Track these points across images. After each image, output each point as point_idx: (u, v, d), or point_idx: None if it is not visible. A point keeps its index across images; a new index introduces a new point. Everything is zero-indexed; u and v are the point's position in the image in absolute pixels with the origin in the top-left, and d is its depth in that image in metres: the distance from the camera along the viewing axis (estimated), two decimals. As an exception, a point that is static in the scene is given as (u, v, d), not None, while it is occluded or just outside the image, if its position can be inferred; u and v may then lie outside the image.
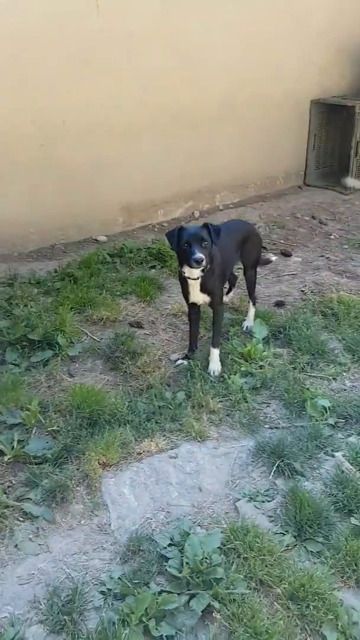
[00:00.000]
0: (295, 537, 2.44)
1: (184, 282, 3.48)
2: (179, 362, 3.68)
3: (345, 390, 3.44)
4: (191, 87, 5.93)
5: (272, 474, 2.78)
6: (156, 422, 3.09)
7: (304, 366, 3.63)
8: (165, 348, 3.89)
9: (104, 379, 3.54)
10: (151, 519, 2.56)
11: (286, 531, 2.46)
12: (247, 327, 4.08)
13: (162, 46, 5.55)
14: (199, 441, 2.98)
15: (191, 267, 3.21)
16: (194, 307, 3.64)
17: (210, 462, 2.86)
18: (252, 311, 4.13)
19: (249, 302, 4.14)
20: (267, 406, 3.30)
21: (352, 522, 2.47)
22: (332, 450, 2.93)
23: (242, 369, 3.49)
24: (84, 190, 5.52)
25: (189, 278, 3.38)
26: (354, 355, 3.73)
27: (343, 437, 3.05)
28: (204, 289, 3.46)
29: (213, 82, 6.09)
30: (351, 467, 2.74)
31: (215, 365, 3.55)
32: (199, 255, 3.11)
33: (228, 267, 3.80)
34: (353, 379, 3.55)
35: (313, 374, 3.58)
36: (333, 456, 2.87)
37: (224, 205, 6.71)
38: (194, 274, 3.32)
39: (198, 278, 3.36)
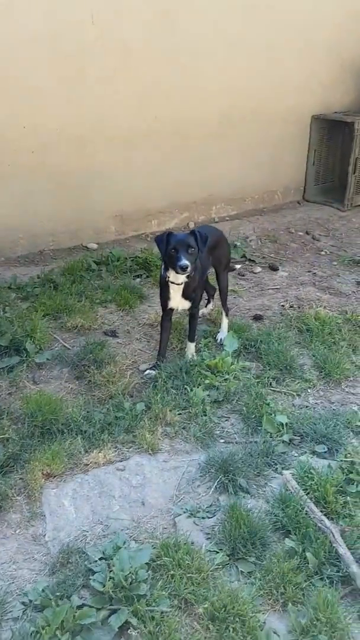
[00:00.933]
0: (228, 555, 2.39)
1: (165, 286, 3.52)
2: (147, 372, 3.67)
3: (307, 407, 3.39)
4: (190, 99, 5.95)
5: (214, 489, 2.73)
6: (110, 433, 3.06)
7: (270, 381, 3.59)
8: (136, 358, 3.87)
9: (67, 387, 3.53)
10: (87, 531, 2.53)
11: (220, 549, 2.41)
12: (220, 339, 4.07)
13: (159, 57, 5.58)
14: (150, 454, 2.95)
15: (177, 273, 3.28)
16: (169, 314, 3.68)
17: (157, 476, 2.82)
18: (225, 322, 4.14)
19: (222, 313, 4.13)
20: (226, 420, 3.26)
21: (286, 543, 2.40)
22: (283, 467, 2.87)
23: (206, 381, 3.46)
24: (77, 198, 5.56)
25: (173, 283, 3.43)
26: (321, 371, 3.67)
27: (296, 454, 2.99)
28: (185, 294, 3.51)
29: (213, 95, 6.10)
30: (297, 486, 2.68)
31: (190, 354, 3.75)
32: (185, 262, 3.18)
33: (204, 274, 3.83)
34: (317, 396, 3.49)
35: (278, 389, 3.54)
36: (282, 474, 2.80)
37: (219, 218, 6.70)
38: (179, 279, 3.38)
39: (182, 283, 3.42)
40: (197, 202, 6.47)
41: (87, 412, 3.21)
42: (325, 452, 2.99)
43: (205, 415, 3.23)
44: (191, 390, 3.36)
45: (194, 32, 5.68)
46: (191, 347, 3.80)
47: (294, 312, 4.47)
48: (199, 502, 2.68)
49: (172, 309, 3.64)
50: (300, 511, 2.55)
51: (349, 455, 2.87)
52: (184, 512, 2.61)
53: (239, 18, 5.94)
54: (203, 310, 4.45)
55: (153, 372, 3.63)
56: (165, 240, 3.29)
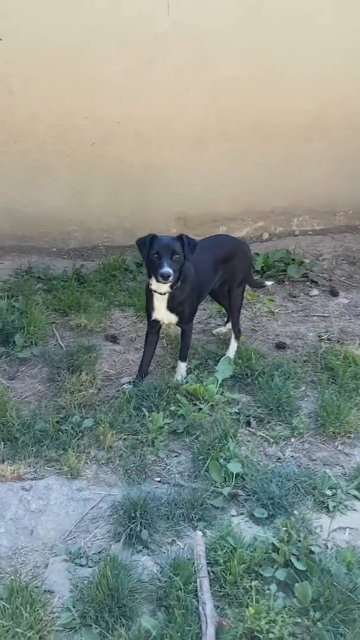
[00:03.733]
0: (80, 617, 2.01)
1: (149, 294, 3.22)
2: (124, 385, 3.38)
3: (278, 459, 2.85)
4: (273, 99, 5.44)
5: (112, 534, 2.35)
6: (40, 446, 2.80)
7: (250, 420, 3.08)
8: (124, 369, 3.59)
9: (35, 388, 3.35)
10: None
11: (74, 608, 2.04)
12: (226, 356, 3.66)
13: (239, 53, 5.15)
14: (68, 478, 2.65)
15: (157, 281, 2.98)
16: (155, 327, 3.36)
17: (62, 505, 2.52)
18: (233, 345, 3.70)
19: (230, 332, 3.74)
20: (175, 456, 2.85)
21: (143, 622, 1.97)
22: (205, 526, 2.41)
23: (172, 407, 3.06)
24: (135, 195, 5.36)
25: (155, 292, 3.13)
26: (316, 421, 3.09)
27: (234, 514, 2.50)
28: (171, 307, 3.19)
29: (301, 97, 5.53)
30: (202, 552, 2.21)
31: (179, 376, 3.39)
32: (167, 270, 2.88)
33: (204, 287, 3.44)
34: (298, 449, 2.93)
35: (255, 432, 3.03)
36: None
37: (301, 231, 6.09)
38: (161, 287, 3.07)
39: (165, 293, 3.11)
40: (275, 211, 5.93)
41: (31, 419, 2.96)
42: (264, 517, 2.46)
43: (154, 446, 2.83)
44: (149, 414, 2.98)
45: (282, 28, 5.16)
46: (181, 368, 3.43)
47: (327, 346, 3.85)
48: (88, 546, 2.33)
49: (157, 321, 3.29)
50: (188, 585, 2.09)
51: (285, 526, 2.32)
52: (65, 554, 2.27)
53: (335, 14, 5.30)
54: (219, 329, 4.02)
55: (130, 387, 3.31)
56: (148, 243, 2.97)
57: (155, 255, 2.93)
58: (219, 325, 4.13)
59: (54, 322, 3.99)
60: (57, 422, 2.98)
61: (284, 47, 5.23)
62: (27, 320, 3.76)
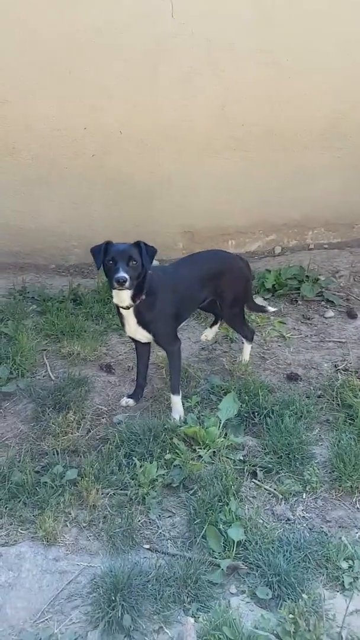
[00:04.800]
0: None
1: (118, 310, 3.00)
2: (124, 400, 3.23)
3: (288, 521, 2.49)
4: (286, 105, 5.08)
5: (89, 618, 2.01)
6: (15, 503, 2.47)
7: (257, 470, 2.72)
8: (116, 404, 3.24)
9: (17, 429, 3.03)
10: None
11: None
12: (241, 360, 3.60)
13: (249, 56, 4.81)
14: (43, 544, 2.31)
15: (113, 287, 2.75)
16: (138, 342, 3.13)
17: (35, 578, 2.19)
18: (247, 348, 3.60)
19: (242, 341, 3.58)
20: (168, 517, 2.50)
21: None
22: (198, 609, 2.06)
23: (167, 456, 2.71)
24: (139, 208, 5.04)
25: (118, 306, 2.90)
26: (332, 472, 2.72)
27: (233, 592, 2.15)
28: (141, 322, 2.93)
29: (317, 102, 5.16)
30: (193, 649, 1.86)
31: (176, 414, 3.09)
32: (122, 274, 2.65)
33: (185, 305, 3.16)
34: (310, 507, 2.56)
35: (262, 485, 2.66)
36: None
37: (316, 245, 5.71)
38: (122, 300, 2.84)
39: (129, 308, 2.85)
40: (288, 224, 5.57)
41: (9, 468, 2.64)
42: (268, 598, 2.10)
43: (144, 504, 2.49)
44: (141, 465, 2.63)
45: (295, 28, 4.80)
46: (176, 403, 3.09)
47: (343, 378, 3.48)
48: (62, 632, 1.99)
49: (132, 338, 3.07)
50: None
51: (293, 612, 1.96)
52: (34, 643, 1.93)
53: (354, 11, 4.92)
54: (206, 335, 3.78)
55: (131, 402, 3.16)
56: (102, 250, 2.75)
57: (111, 262, 2.71)
58: (225, 352, 3.78)
59: (44, 350, 3.68)
60: (37, 472, 2.65)
61: (298, 48, 4.88)
62: (14, 348, 3.45)
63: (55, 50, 4.38)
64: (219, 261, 3.31)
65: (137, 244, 2.75)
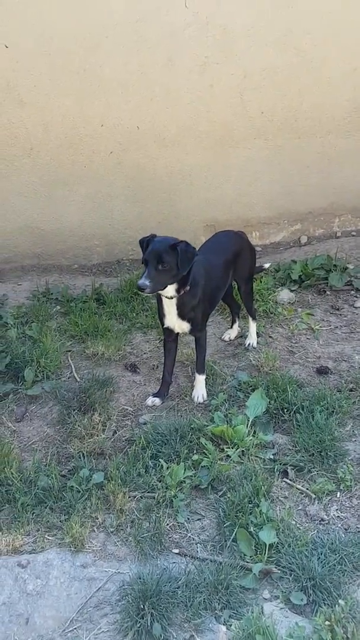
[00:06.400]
0: None
1: (159, 301, 2.99)
2: (150, 399, 3.18)
3: (322, 521, 2.40)
4: (307, 90, 4.96)
5: (119, 626, 1.96)
6: (42, 509, 2.44)
7: (288, 469, 2.64)
8: (142, 404, 3.19)
9: (44, 432, 3.00)
10: None
11: None
12: (249, 344, 3.64)
13: (267, 41, 4.70)
14: (71, 551, 2.27)
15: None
16: (170, 335, 3.12)
17: (64, 586, 2.15)
18: (253, 327, 3.65)
19: (247, 317, 3.66)
20: (198, 520, 2.43)
21: None
22: (230, 616, 1.99)
23: (195, 457, 2.64)
24: (160, 204, 4.97)
25: (163, 296, 2.89)
26: (367, 469, 2.61)
27: (266, 597, 2.07)
28: (182, 313, 2.95)
29: (339, 85, 5.02)
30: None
31: (199, 392, 3.15)
32: (144, 281, 2.66)
33: (218, 291, 3.21)
34: (345, 507, 2.46)
35: (294, 484, 2.58)
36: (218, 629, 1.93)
37: (343, 232, 5.56)
38: (167, 290, 2.86)
39: (172, 298, 2.86)
40: (314, 212, 5.43)
41: (35, 473, 2.61)
42: (303, 604, 2.02)
43: (172, 507, 2.43)
44: (168, 467, 2.57)
45: (315, 10, 4.66)
46: (200, 382, 3.16)
47: (377, 370, 3.36)
48: (92, 642, 1.94)
49: (170, 330, 3.04)
50: None
51: (329, 619, 1.87)
52: (62, 654, 1.89)
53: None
54: (229, 334, 3.74)
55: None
56: (145, 244, 2.79)
57: (144, 261, 2.73)
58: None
59: (69, 351, 3.64)
60: (64, 475, 2.61)
61: (318, 31, 4.78)
62: (39, 351, 3.42)
63: (69, 48, 4.35)
64: (235, 243, 3.35)
65: (175, 246, 2.69)
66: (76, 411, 3.01)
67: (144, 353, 3.66)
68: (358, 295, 4.40)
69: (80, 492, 2.50)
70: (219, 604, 2.02)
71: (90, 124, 4.60)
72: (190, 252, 2.73)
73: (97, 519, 2.39)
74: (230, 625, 1.94)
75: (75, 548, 2.26)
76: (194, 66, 4.61)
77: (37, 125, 4.55)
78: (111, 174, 4.77)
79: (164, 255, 2.66)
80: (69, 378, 3.42)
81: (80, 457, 2.69)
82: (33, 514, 2.42)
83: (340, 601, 1.94)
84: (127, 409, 3.13)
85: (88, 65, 4.42)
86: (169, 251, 2.68)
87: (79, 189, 4.76)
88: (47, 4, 4.19)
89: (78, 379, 3.38)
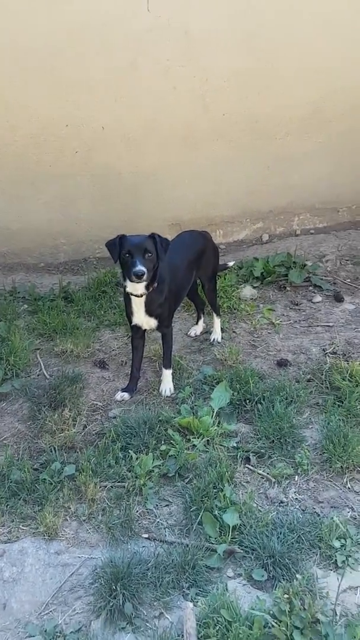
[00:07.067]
0: None
1: (127, 299, 3.12)
2: (119, 394, 3.29)
3: (281, 503, 2.56)
4: (267, 92, 5.11)
5: (92, 607, 2.09)
6: (17, 500, 2.54)
7: (250, 456, 2.80)
8: (111, 399, 3.30)
9: (15, 428, 3.09)
10: None
11: None
12: (214, 339, 3.79)
13: (228, 44, 4.82)
14: (45, 539, 2.39)
15: (131, 280, 2.88)
16: (138, 332, 3.26)
17: (39, 572, 2.26)
18: (217, 322, 3.81)
19: (212, 313, 3.81)
20: (165, 506, 2.57)
21: None
22: (197, 594, 2.13)
23: (163, 447, 2.78)
24: (126, 203, 5.07)
25: (132, 294, 3.02)
26: (322, 453, 2.79)
27: (230, 575, 2.22)
28: (149, 310, 3.09)
29: (298, 88, 5.18)
30: (193, 629, 1.94)
31: (166, 386, 3.30)
32: (140, 267, 2.79)
33: (182, 289, 3.38)
34: (302, 489, 2.64)
35: (256, 470, 2.74)
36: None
37: (302, 230, 5.76)
38: (137, 289, 2.98)
39: (142, 295, 2.99)
40: (274, 211, 5.61)
41: (8, 467, 2.70)
42: (264, 580, 2.18)
43: (142, 495, 2.56)
44: (137, 458, 2.70)
45: (275, 13, 4.80)
46: (167, 377, 3.31)
47: (333, 362, 3.55)
48: (66, 622, 2.06)
49: (138, 327, 3.17)
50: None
51: (287, 592, 2.03)
52: (39, 634, 2.01)
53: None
54: (194, 330, 3.89)
55: (126, 396, 3.24)
56: (118, 243, 2.87)
57: (127, 255, 2.85)
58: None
59: (38, 349, 3.73)
60: (36, 469, 2.71)
61: (278, 35, 4.93)
62: (7, 349, 3.50)
63: (35, 49, 4.39)
64: (200, 241, 3.52)
65: (152, 236, 2.88)
66: (46, 407, 3.11)
67: (113, 350, 3.77)
68: (316, 291, 4.59)
69: (52, 484, 2.61)
70: (186, 583, 2.16)
71: (56, 124, 4.66)
72: (165, 241, 2.95)
73: (70, 508, 2.50)
74: (197, 602, 2.09)
75: (49, 536, 2.37)
76: (157, 69, 4.71)
77: (2, 125, 4.59)
78: (77, 174, 4.84)
79: (147, 246, 2.83)
80: (38, 375, 3.50)
81: (51, 451, 2.79)
82: (7, 505, 2.52)
83: (297, 576, 2.11)
84: (96, 404, 3.24)
85: (54, 66, 4.48)
86: (150, 242, 2.86)
87: (45, 188, 4.82)
88: (14, 4, 4.23)
89: (48, 376, 3.47)
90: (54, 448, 2.82)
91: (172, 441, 2.83)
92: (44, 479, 2.63)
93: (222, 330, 3.86)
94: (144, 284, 2.93)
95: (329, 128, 5.31)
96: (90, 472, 2.64)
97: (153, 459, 2.70)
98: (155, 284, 3.00)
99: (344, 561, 2.24)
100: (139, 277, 2.81)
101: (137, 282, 2.88)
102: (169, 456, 2.75)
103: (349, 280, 4.79)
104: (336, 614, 2.04)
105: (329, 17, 4.90)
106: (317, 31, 4.94)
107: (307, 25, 4.91)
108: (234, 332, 3.97)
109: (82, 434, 2.98)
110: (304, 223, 5.76)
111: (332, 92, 5.17)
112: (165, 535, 2.40)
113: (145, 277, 2.82)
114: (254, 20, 4.76)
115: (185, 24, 4.63)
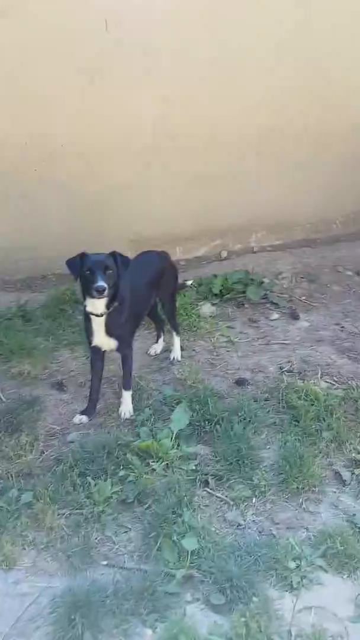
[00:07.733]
0: None
1: (87, 319, 3.13)
2: (77, 417, 3.27)
3: (239, 526, 2.61)
4: (228, 111, 5.19)
5: (51, 637, 2.07)
6: (-28, 532, 2.50)
7: (209, 479, 2.83)
8: (69, 423, 3.29)
9: (-31, 457, 3.03)
10: None
11: None
12: (174, 358, 3.82)
13: (186, 65, 4.91)
14: (3, 568, 2.36)
15: (92, 296, 2.93)
16: (98, 353, 3.25)
17: (-4, 602, 2.23)
18: (177, 341, 3.84)
19: (171, 332, 3.85)
20: (125, 532, 2.58)
21: None
22: (156, 620, 2.15)
23: (121, 473, 2.78)
24: (85, 220, 5.06)
25: (91, 314, 3.04)
26: (279, 474, 2.85)
27: (188, 600, 2.24)
28: (109, 331, 3.09)
29: (255, 107, 5.30)
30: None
31: (126, 407, 3.29)
32: (101, 283, 2.83)
33: (142, 309, 3.44)
34: (259, 511, 2.69)
35: (214, 493, 2.77)
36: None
37: (259, 247, 5.86)
38: (97, 307, 3.02)
39: (102, 315, 3.01)
40: (233, 228, 5.70)
41: (-36, 496, 2.66)
42: (222, 604, 2.22)
43: (99, 522, 2.56)
44: (95, 484, 2.70)
45: (229, 32, 4.91)
46: (126, 398, 3.30)
47: (289, 380, 3.62)
48: (24, 656, 2.04)
49: (98, 348, 3.18)
50: None
51: (244, 616, 2.07)
52: (-3, 670, 1.99)
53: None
54: (154, 349, 3.93)
55: (84, 419, 3.22)
56: (79, 261, 2.92)
57: (88, 272, 2.88)
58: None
59: (-4, 371, 3.68)
60: (-10, 499, 2.68)
61: (233, 53, 5.03)
62: None
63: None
64: (159, 262, 3.59)
65: (112, 254, 2.94)
66: (3, 432, 3.08)
67: (71, 370, 3.76)
68: (273, 308, 4.68)
69: (9, 512, 2.59)
70: (145, 610, 2.18)
71: (17, 138, 4.64)
72: (125, 259, 3.01)
73: (28, 537, 2.48)
74: (156, 628, 2.10)
75: (7, 566, 2.35)
76: (118, 84, 4.75)
77: None
78: (36, 190, 4.82)
79: (108, 263, 2.90)
80: (-5, 399, 3.46)
81: (8, 478, 2.76)
82: None
83: (254, 598, 2.15)
84: (54, 428, 3.23)
85: (13, 82, 4.47)
86: (110, 259, 2.94)
87: (2, 204, 4.78)
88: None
89: (4, 400, 3.43)
90: (11, 475, 2.79)
91: (131, 466, 2.84)
92: (1, 506, 2.61)
93: (182, 348, 3.90)
94: (104, 302, 2.97)
95: (283, 149, 5.45)
96: (48, 499, 2.62)
97: (112, 485, 2.71)
98: (116, 304, 3.04)
99: (299, 582, 2.30)
100: (100, 292, 2.84)
101: (98, 298, 2.91)
102: (128, 482, 2.76)
103: (304, 297, 4.90)
104: (291, 635, 2.09)
105: (285, 41, 5.06)
106: (275, 52, 5.10)
107: (267, 47, 5.06)
108: (193, 350, 4.01)
109: (40, 459, 2.96)
110: (260, 240, 5.88)
111: (287, 112, 5.32)
112: (124, 562, 2.41)
113: (106, 292, 2.85)
114: (212, 40, 4.86)
115: (144, 43, 4.70)
